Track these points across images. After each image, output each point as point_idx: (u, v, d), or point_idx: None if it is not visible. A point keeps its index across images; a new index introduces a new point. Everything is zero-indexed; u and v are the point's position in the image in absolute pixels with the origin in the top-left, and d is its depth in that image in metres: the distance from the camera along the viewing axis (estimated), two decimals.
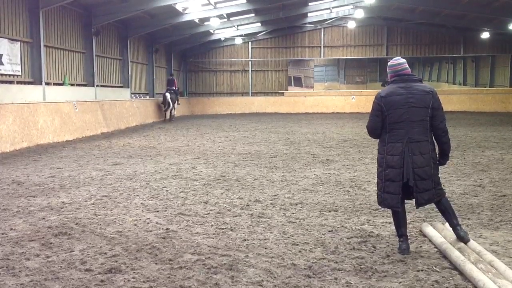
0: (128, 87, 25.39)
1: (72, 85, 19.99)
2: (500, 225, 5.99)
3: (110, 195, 7.91)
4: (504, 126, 20.30)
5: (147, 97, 28.24)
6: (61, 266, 4.71)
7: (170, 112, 26.48)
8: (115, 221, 6.29)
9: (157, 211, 6.82)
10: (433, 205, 5.27)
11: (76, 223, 6.21)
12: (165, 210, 6.87)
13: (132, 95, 25.78)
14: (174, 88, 26.94)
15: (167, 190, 8.24)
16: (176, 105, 26.79)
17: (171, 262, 4.79)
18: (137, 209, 6.94)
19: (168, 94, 25.91)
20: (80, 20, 20.87)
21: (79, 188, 8.47)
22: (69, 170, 10.34)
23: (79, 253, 5.08)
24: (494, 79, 38.81)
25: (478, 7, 26.22)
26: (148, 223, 6.22)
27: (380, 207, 5.38)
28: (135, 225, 6.13)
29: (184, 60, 35.34)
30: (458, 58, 44.88)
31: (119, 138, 17.20)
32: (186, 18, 25.42)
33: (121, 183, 8.88)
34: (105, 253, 5.05)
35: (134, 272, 4.53)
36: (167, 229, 5.92)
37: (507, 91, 33.92)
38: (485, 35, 31.43)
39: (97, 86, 21.81)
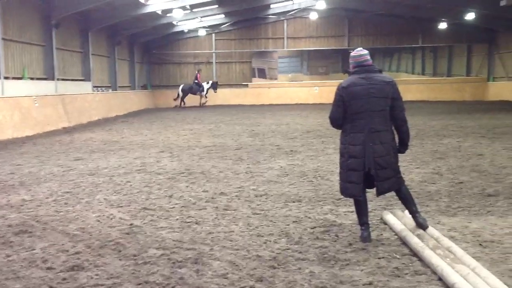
0: (90, 80, 24.93)
1: (31, 79, 19.49)
2: (457, 212, 6.18)
3: (72, 191, 7.80)
4: (461, 114, 20.85)
5: (110, 90, 27.81)
6: (22, 265, 4.63)
7: (200, 100, 31.40)
8: (77, 218, 6.22)
9: (121, 207, 6.77)
10: (393, 193, 5.40)
11: (37, 221, 6.11)
12: (129, 205, 6.82)
13: (94, 88, 25.35)
14: (196, 81, 30.92)
15: (131, 185, 8.17)
16: (202, 95, 31.03)
17: (135, 257, 4.77)
18: (100, 205, 6.87)
19: (181, 86, 30.94)
20: (39, 12, 20.34)
21: (40, 185, 8.31)
22: (29, 167, 10.13)
23: (41, 251, 5.01)
24: (452, 69, 39.80)
25: None
26: (111, 218, 6.16)
27: (342, 196, 5.47)
28: (98, 221, 6.07)
29: (147, 52, 34.88)
30: (417, 49, 45.82)
31: (81, 133, 16.91)
32: (148, 9, 25.07)
33: (83, 179, 8.76)
34: (67, 251, 4.99)
35: (97, 269, 4.50)
36: (131, 224, 5.89)
37: (464, 80, 34.79)
38: (443, 25, 32.09)
39: (58, 79, 21.34)
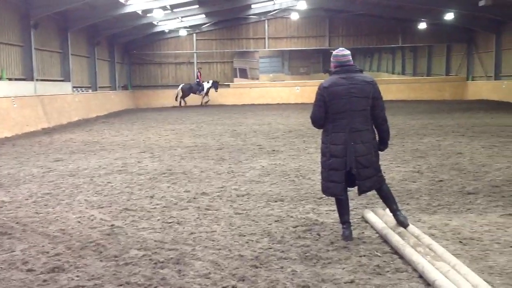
0: (69, 81, 24.65)
1: (10, 79, 19.21)
2: (437, 209, 6.25)
3: (52, 192, 7.71)
4: (441, 113, 21.09)
5: (90, 90, 27.55)
6: (1, 267, 4.56)
7: (201, 100, 31.78)
8: (57, 219, 6.14)
9: (102, 207, 6.71)
10: (374, 192, 5.43)
11: (17, 222, 6.02)
12: (110, 206, 6.76)
13: (74, 89, 25.09)
14: (197, 80, 31.65)
15: (112, 186, 8.10)
16: (202, 94, 31.41)
17: (116, 258, 4.73)
18: (80, 206, 6.80)
19: (180, 85, 31.37)
20: (18, 12, 20.05)
21: (19, 186, 8.20)
22: (8, 168, 9.99)
23: (20, 253, 4.94)
24: (431, 68, 40.31)
25: None
26: (92, 220, 6.10)
27: (324, 195, 5.49)
28: (79, 222, 6.01)
29: (127, 53, 34.65)
30: (397, 49, 46.31)
31: (61, 134, 16.72)
32: (129, 9, 24.92)
33: (63, 180, 8.66)
34: (48, 252, 4.93)
35: (78, 271, 4.45)
36: (112, 225, 5.84)
37: (443, 80, 35.23)
38: (422, 25, 32.45)
39: (37, 80, 21.06)
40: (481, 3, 23.70)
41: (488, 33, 30.84)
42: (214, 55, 35.52)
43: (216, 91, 31.53)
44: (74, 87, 25.18)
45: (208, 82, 31.59)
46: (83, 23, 25.15)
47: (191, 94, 31.30)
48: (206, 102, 31.73)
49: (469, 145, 11.58)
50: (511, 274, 4.16)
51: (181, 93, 31.06)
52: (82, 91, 26.18)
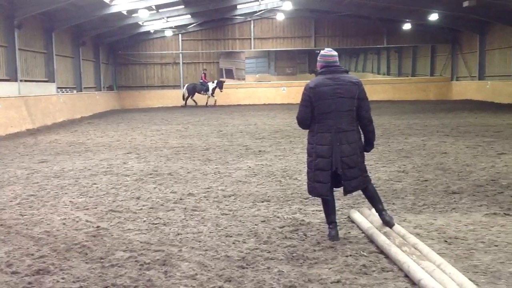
0: (54, 82, 24.43)
1: None
2: (422, 209, 6.30)
3: (37, 194, 7.64)
4: (425, 113, 21.26)
5: (75, 91, 27.32)
6: None
7: (207, 100, 31.46)
8: (42, 221, 6.09)
9: (87, 209, 6.66)
10: (360, 192, 5.47)
11: (1, 225, 5.95)
12: (96, 208, 6.72)
13: (59, 90, 24.86)
14: (201, 80, 31.59)
15: (97, 187, 8.05)
16: (208, 94, 31.15)
17: (102, 260, 4.70)
18: (65, 208, 6.75)
19: (185, 85, 31.62)
20: (1, 12, 19.81)
21: (3, 188, 8.11)
22: None
23: (5, 255, 4.89)
24: (416, 69, 40.64)
25: None
26: (77, 221, 6.06)
27: (310, 195, 5.51)
28: (64, 224, 5.96)
29: (112, 53, 34.42)
30: (382, 49, 46.54)
31: (45, 135, 16.57)
32: (114, 10, 24.74)
33: (48, 181, 8.59)
34: (32, 254, 4.89)
35: (63, 273, 4.41)
36: (97, 227, 5.80)
37: (428, 80, 35.51)
38: (407, 26, 32.68)
39: (21, 81, 20.83)
40: (465, 4, 23.93)
41: (472, 33, 31.17)
42: (200, 55, 35.43)
43: (221, 91, 31.36)
44: (58, 87, 24.95)
45: (213, 83, 31.49)
46: (68, 23, 24.93)
47: (196, 94, 31.41)
48: (215, 102, 31.49)
49: (454, 145, 11.69)
50: (496, 273, 4.21)
51: (187, 93, 31.13)
52: (67, 92, 25.96)
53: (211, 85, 31.21)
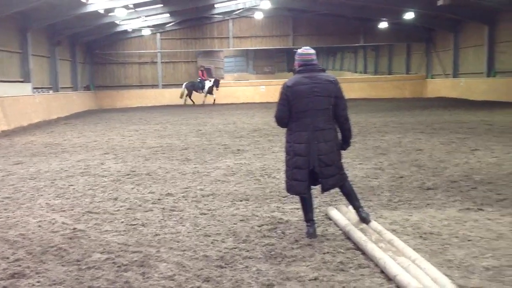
0: (30, 82, 24.05)
1: None
2: (398, 205, 6.39)
3: (12, 196, 7.54)
4: (401, 111, 21.49)
5: (51, 91, 26.96)
6: None
7: (204, 98, 31.05)
8: (17, 224, 6.01)
9: (63, 211, 6.59)
10: (338, 190, 5.52)
11: None
12: (72, 209, 6.65)
13: (34, 90, 24.50)
14: (199, 78, 31.34)
15: (74, 188, 7.97)
16: (204, 92, 30.87)
17: (78, 262, 4.67)
18: (41, 210, 6.67)
19: (184, 83, 31.33)
20: None
21: None
22: None
23: None
24: (392, 67, 41.11)
25: None
26: (53, 223, 6.00)
27: (288, 193, 5.54)
28: (40, 226, 5.89)
29: (89, 52, 34.02)
30: (359, 48, 47.01)
31: (21, 136, 16.32)
32: (90, 8, 24.44)
33: (24, 183, 8.47)
34: (8, 258, 4.82)
35: (39, 276, 4.37)
36: (74, 228, 5.75)
37: (403, 78, 35.89)
38: (383, 25, 32.99)
39: None
40: (439, 3, 24.24)
41: (446, 32, 31.61)
42: (178, 54, 35.27)
43: (217, 90, 31.15)
44: (34, 88, 24.58)
45: (210, 81, 31.27)
46: (44, 23, 24.55)
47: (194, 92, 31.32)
48: (214, 101, 31.12)
49: (429, 141, 11.86)
50: (469, 267, 4.30)
51: (186, 92, 30.93)
52: (43, 92, 25.60)
53: (207, 84, 31.01)
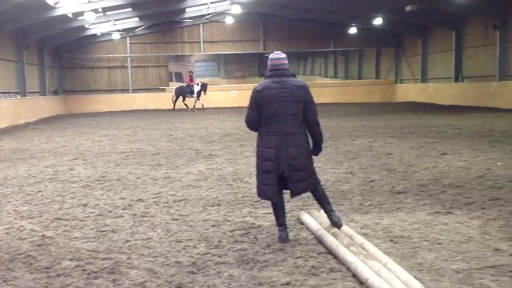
0: None
1: None
2: (369, 209, 6.46)
3: None
4: (372, 115, 21.79)
5: (18, 96, 26.41)
6: None
7: (194, 103, 30.35)
8: None
9: (32, 218, 6.45)
10: (310, 194, 5.53)
11: None
12: (41, 216, 6.52)
13: (1, 95, 23.98)
14: (186, 83, 30.84)
15: (42, 195, 7.82)
16: (193, 97, 30.09)
17: (47, 270, 4.57)
18: (9, 217, 6.52)
19: (174, 88, 31.39)
20: None
21: None
22: None
23: None
24: (362, 72, 41.66)
25: (345, 2, 27.83)
26: (21, 230, 5.86)
27: (259, 198, 5.54)
28: (7, 233, 5.75)
29: (58, 56, 33.50)
30: (329, 53, 47.48)
31: None
32: (58, 12, 24.10)
33: None
34: None
35: (7, 284, 4.26)
36: (43, 235, 5.63)
37: (373, 83, 36.44)
38: (353, 30, 33.43)
39: None
40: (407, 8, 24.73)
41: (415, 37, 32.23)
42: (148, 59, 35.04)
43: (205, 94, 30.29)
44: (1, 92, 24.06)
45: (197, 85, 30.33)
46: (11, 26, 24.05)
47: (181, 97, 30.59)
48: (202, 106, 30.21)
49: (399, 146, 12.03)
50: (440, 270, 4.35)
51: (175, 97, 30.27)
52: (10, 97, 25.06)
53: (196, 88, 30.19)
